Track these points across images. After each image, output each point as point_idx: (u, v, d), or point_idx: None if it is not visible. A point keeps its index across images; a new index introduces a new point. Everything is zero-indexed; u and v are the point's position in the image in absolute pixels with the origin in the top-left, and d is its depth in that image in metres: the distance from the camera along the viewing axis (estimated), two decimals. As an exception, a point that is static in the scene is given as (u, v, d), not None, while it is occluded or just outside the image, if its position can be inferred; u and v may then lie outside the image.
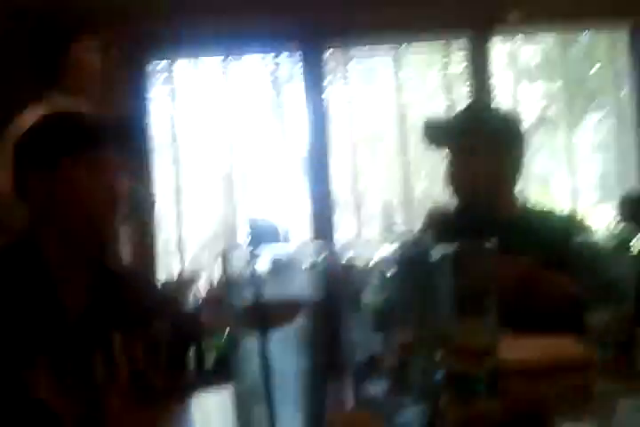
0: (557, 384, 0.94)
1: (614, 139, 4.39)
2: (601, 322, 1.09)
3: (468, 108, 1.93)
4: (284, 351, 0.59)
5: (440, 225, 1.89)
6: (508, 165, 1.85)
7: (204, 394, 1.27)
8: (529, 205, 1.99)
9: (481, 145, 1.79)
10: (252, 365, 0.59)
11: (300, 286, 0.63)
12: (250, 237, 3.55)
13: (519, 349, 1.03)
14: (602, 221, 3.98)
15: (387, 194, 4.39)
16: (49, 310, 1.14)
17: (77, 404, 1.10)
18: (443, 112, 4.12)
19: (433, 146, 1.87)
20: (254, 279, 0.59)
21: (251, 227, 3.57)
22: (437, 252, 0.98)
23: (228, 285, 0.61)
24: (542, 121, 4.57)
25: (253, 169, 4.27)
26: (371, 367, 0.64)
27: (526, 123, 4.53)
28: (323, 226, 3.94)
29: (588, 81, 4.53)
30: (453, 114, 1.91)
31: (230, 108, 4.20)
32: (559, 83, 4.44)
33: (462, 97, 4.19)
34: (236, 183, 4.14)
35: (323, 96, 4.16)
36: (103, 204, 1.24)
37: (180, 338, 1.35)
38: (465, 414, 0.81)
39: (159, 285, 1.91)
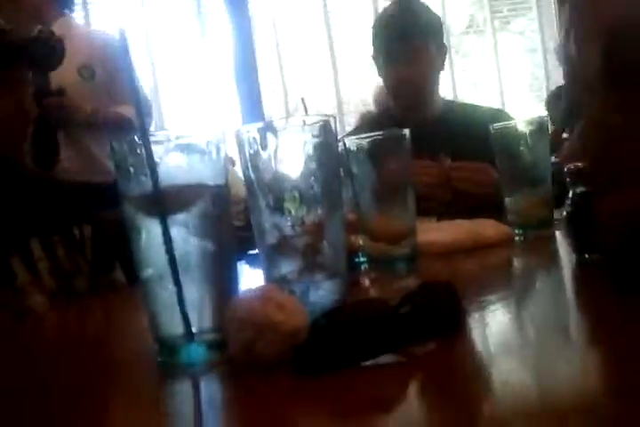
0: (477, 263, 0.98)
1: (540, 42, 4.42)
2: (518, 205, 1.13)
3: (401, 10, 1.87)
4: (187, 236, 0.58)
5: (371, 126, 1.90)
6: (437, 65, 1.85)
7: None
8: (454, 104, 2.03)
9: (413, 49, 1.77)
10: (157, 251, 0.57)
11: (203, 172, 0.61)
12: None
13: (440, 232, 1.06)
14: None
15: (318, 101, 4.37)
16: None
17: (2, 305, 1.10)
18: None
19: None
20: (151, 163, 0.57)
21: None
22: (353, 142, 0.98)
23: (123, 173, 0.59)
24: (470, 27, 4.56)
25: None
26: (281, 249, 0.64)
27: (456, 29, 4.52)
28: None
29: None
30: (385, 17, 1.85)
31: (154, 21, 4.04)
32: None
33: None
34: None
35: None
36: (13, 120, 1.19)
37: (102, 239, 1.33)
38: (387, 290, 0.84)
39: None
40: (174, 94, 4.16)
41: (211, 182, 0.61)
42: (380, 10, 2.10)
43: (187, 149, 0.61)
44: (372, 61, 1.90)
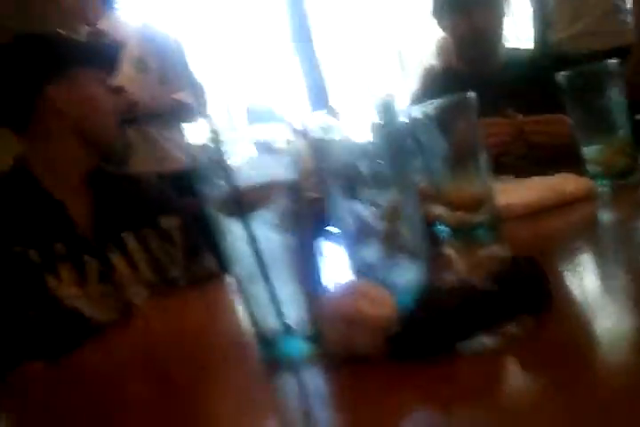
0: (562, 222, 0.95)
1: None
2: (597, 154, 1.09)
3: None
4: (270, 233, 0.59)
5: (435, 84, 1.86)
6: (503, 15, 1.79)
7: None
8: (515, 50, 1.95)
9: None
10: (243, 250, 0.60)
11: (279, 167, 0.62)
12: (248, 121, 3.57)
13: (519, 192, 1.04)
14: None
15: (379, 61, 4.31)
16: (58, 225, 1.18)
17: (104, 306, 1.16)
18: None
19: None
20: (225, 166, 0.59)
21: (249, 110, 3.57)
22: (419, 110, 0.96)
23: (202, 174, 0.61)
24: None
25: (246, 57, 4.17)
26: (361, 235, 0.65)
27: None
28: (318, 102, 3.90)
29: None
30: None
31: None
32: None
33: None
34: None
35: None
36: (98, 123, 1.26)
37: (191, 229, 1.37)
38: (472, 262, 0.83)
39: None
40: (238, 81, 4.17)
41: (284, 178, 0.62)
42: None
43: (259, 147, 0.63)
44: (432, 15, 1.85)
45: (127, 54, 2.14)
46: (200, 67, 2.53)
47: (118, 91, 2.06)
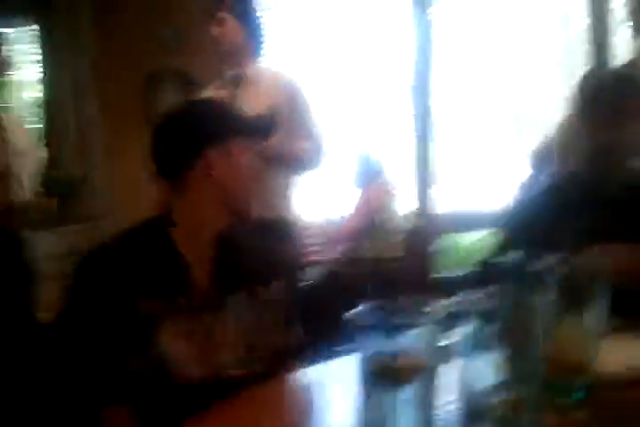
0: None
1: None
2: None
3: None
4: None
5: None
6: None
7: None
8: None
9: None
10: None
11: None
12: (357, 175, 3.62)
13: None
14: None
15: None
16: (179, 284, 1.26)
17: (200, 365, 1.24)
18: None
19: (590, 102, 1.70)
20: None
21: (360, 164, 3.61)
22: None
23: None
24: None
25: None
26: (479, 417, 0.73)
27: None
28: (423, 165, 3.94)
29: None
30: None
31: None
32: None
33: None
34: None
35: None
36: (242, 190, 1.36)
37: (297, 299, 1.44)
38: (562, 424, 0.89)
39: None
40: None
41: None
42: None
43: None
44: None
45: (263, 100, 2.28)
46: (323, 118, 2.62)
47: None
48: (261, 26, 2.52)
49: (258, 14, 2.50)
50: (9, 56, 2.56)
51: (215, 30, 2.40)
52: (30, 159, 2.66)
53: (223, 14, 2.38)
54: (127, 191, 3.98)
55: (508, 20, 4.25)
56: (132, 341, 1.18)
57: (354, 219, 3.49)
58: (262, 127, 1.45)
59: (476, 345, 0.87)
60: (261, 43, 2.52)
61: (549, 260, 1.02)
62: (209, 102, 1.50)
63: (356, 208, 3.57)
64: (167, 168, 1.35)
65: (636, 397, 0.99)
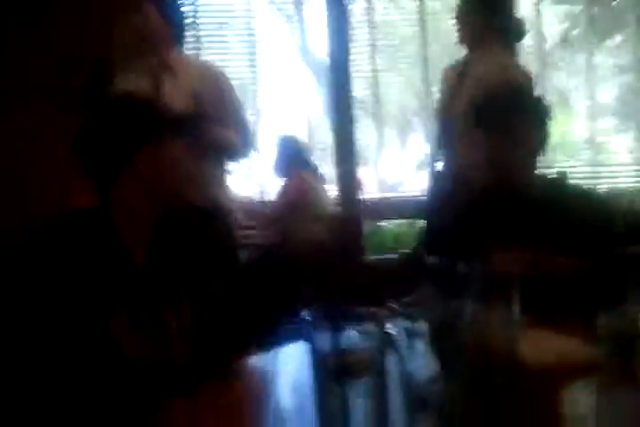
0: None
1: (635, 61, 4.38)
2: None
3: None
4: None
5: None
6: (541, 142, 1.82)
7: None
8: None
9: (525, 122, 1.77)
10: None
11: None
12: (280, 161, 3.66)
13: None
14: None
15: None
16: (122, 268, 1.30)
17: (151, 350, 1.28)
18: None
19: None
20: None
21: (283, 150, 3.64)
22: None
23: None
24: (564, 42, 4.54)
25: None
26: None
27: (549, 43, 4.51)
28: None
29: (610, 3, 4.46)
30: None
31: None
32: (582, 5, 4.38)
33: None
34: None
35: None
36: (169, 184, 1.40)
37: (235, 295, 1.51)
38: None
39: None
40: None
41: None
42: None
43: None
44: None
45: (187, 88, 2.30)
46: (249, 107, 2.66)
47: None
48: (182, 14, 2.52)
49: (178, 2, 2.49)
50: None
51: (135, 17, 2.36)
52: None
53: (142, 1, 2.35)
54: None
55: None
56: (88, 326, 1.21)
57: (277, 207, 3.56)
58: (187, 121, 1.49)
59: (412, 339, 0.96)
60: (182, 31, 2.51)
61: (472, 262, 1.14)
62: (131, 102, 1.52)
63: (279, 196, 3.63)
64: (95, 166, 1.38)
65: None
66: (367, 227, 3.91)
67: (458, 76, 2.56)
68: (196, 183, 2.34)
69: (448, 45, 3.69)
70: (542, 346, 1.22)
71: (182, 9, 2.52)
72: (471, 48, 2.57)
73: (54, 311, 1.20)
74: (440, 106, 2.68)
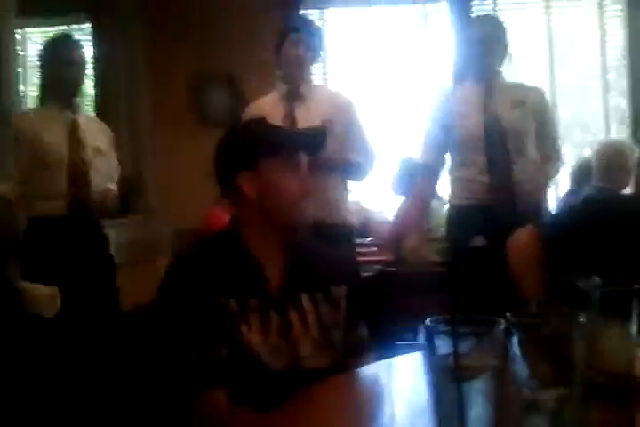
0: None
1: None
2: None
3: None
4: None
5: None
6: None
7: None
8: None
9: None
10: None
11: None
12: (399, 181, 3.76)
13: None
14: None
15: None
16: (254, 283, 1.42)
17: (279, 355, 1.40)
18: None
19: None
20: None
21: (403, 170, 3.74)
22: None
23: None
24: None
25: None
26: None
27: None
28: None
29: None
30: None
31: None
32: None
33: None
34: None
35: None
36: (296, 198, 1.47)
37: (355, 300, 1.58)
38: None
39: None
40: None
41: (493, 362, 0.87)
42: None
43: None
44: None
45: (318, 113, 2.49)
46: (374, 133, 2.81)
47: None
48: (320, 45, 2.73)
49: (322, 39, 2.72)
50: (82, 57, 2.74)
51: (292, 51, 2.57)
52: (109, 157, 2.83)
53: (300, 37, 2.56)
54: (178, 188, 4.19)
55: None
56: (219, 332, 1.35)
57: (395, 225, 3.65)
58: (309, 141, 1.54)
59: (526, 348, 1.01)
60: (316, 63, 2.76)
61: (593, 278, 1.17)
62: (250, 125, 1.63)
63: (396, 215, 3.72)
64: (220, 182, 1.51)
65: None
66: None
67: None
68: (323, 201, 2.51)
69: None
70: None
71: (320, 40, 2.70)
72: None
73: (202, 307, 1.35)
74: None
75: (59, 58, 2.63)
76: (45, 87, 2.72)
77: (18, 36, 3.52)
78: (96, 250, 2.70)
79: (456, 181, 2.77)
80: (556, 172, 2.95)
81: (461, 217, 2.77)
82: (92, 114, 4.43)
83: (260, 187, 1.45)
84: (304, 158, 1.51)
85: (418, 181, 2.92)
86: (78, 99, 2.76)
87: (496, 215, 2.63)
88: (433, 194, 2.84)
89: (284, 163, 1.47)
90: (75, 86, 2.69)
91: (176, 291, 1.39)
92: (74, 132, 2.64)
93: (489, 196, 2.64)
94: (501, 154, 2.62)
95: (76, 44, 2.80)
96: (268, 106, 2.61)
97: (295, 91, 2.60)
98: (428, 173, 2.83)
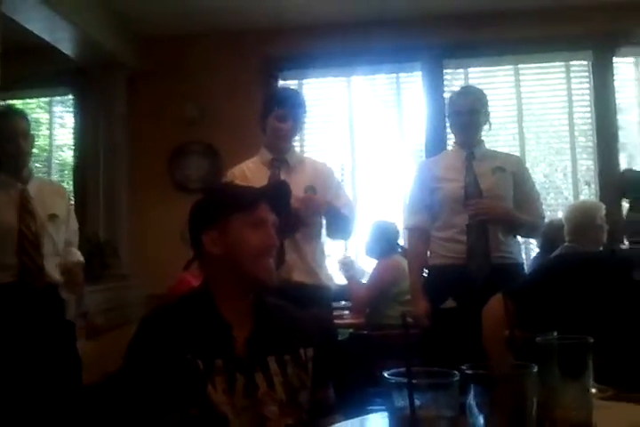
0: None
1: None
2: None
3: None
4: None
5: None
6: None
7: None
8: None
9: None
10: None
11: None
12: (372, 244, 3.81)
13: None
14: None
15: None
16: (221, 343, 1.42)
17: (245, 415, 1.38)
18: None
19: None
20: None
21: (376, 234, 3.81)
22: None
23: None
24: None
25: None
26: None
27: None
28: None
29: None
30: None
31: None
32: None
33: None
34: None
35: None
36: (259, 252, 1.48)
37: (322, 362, 1.57)
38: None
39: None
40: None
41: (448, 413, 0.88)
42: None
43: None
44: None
45: (302, 181, 2.55)
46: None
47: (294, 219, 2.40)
48: (304, 118, 2.79)
49: (305, 108, 2.75)
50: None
51: (279, 125, 2.62)
52: (66, 222, 2.85)
53: (285, 111, 2.61)
54: (152, 252, 4.20)
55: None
56: (188, 391, 1.35)
57: (364, 290, 3.70)
58: (270, 194, 1.56)
59: (485, 405, 1.01)
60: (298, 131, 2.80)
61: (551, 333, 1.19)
62: (215, 186, 1.64)
63: (372, 277, 3.75)
64: (191, 243, 1.53)
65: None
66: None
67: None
68: (302, 264, 2.54)
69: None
70: (617, 417, 1.23)
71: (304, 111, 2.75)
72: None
73: (169, 368, 1.35)
74: None
75: (2, 131, 2.66)
76: None
77: (-3, 107, 3.57)
78: (51, 317, 2.66)
79: (436, 242, 2.83)
80: (537, 234, 3.07)
81: (437, 277, 2.81)
82: (49, 179, 4.50)
83: (222, 243, 1.47)
84: (269, 214, 1.53)
85: (411, 242, 2.98)
86: (27, 169, 2.76)
87: (470, 276, 2.67)
88: (426, 254, 2.89)
89: (246, 218, 1.49)
90: (21, 158, 2.70)
91: (144, 349, 1.39)
92: (23, 203, 2.66)
93: (465, 255, 2.70)
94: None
95: (20, 116, 2.81)
96: (250, 171, 2.67)
97: (280, 158, 2.67)
98: (419, 234, 2.90)
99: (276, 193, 1.60)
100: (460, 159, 2.86)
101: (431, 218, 2.85)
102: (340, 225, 2.64)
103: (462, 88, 3.17)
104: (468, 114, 2.85)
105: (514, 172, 2.85)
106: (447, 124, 3.15)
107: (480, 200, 2.72)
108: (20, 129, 2.69)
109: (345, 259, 3.86)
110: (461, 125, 2.89)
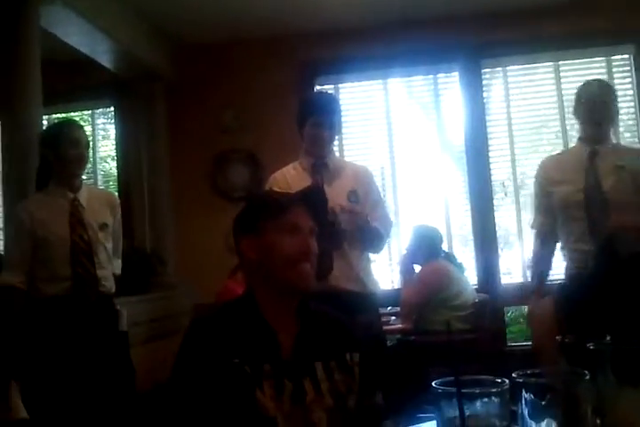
0: None
1: None
2: None
3: None
4: None
5: None
6: None
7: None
8: None
9: None
10: None
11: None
12: (415, 250, 3.78)
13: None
14: None
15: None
16: (268, 349, 1.41)
17: (293, 421, 1.38)
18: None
19: None
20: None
21: (418, 239, 3.76)
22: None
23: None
24: None
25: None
26: None
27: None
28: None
29: None
30: None
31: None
32: None
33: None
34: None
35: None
36: (295, 257, 1.47)
37: (368, 367, 1.57)
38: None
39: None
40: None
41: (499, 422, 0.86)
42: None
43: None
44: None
45: (345, 186, 2.56)
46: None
47: (332, 224, 2.41)
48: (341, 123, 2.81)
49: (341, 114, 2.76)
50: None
51: (315, 133, 2.61)
52: (115, 232, 2.88)
53: (321, 119, 2.60)
54: (198, 261, 4.24)
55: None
56: (237, 399, 1.35)
57: (409, 296, 3.67)
58: (305, 199, 1.56)
59: (537, 414, 0.99)
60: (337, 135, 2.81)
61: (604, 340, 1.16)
62: (254, 194, 1.66)
63: (413, 285, 3.71)
64: (235, 251, 1.54)
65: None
66: (508, 313, 3.87)
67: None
68: (348, 271, 2.53)
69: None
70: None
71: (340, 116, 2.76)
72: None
73: (218, 373, 1.36)
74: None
75: (64, 138, 2.69)
76: (45, 170, 2.76)
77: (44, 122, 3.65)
78: (106, 327, 2.68)
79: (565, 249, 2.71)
80: None
81: (572, 285, 2.63)
82: (98, 187, 4.56)
83: (258, 248, 1.48)
84: (304, 220, 1.52)
85: (534, 245, 2.87)
86: (79, 178, 2.79)
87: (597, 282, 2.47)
88: (547, 258, 2.78)
89: (279, 223, 1.49)
90: (78, 166, 2.73)
91: (193, 355, 1.40)
92: (74, 212, 2.68)
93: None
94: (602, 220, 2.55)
95: (79, 126, 2.88)
96: (291, 176, 2.67)
97: (321, 163, 2.66)
98: (541, 237, 2.80)
99: (310, 198, 1.60)
100: (580, 157, 2.68)
101: (554, 221, 2.72)
102: (373, 242, 2.62)
103: (593, 79, 2.95)
104: (601, 104, 2.63)
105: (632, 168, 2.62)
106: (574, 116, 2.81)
107: None
108: (84, 137, 2.75)
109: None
110: (591, 114, 2.64)
